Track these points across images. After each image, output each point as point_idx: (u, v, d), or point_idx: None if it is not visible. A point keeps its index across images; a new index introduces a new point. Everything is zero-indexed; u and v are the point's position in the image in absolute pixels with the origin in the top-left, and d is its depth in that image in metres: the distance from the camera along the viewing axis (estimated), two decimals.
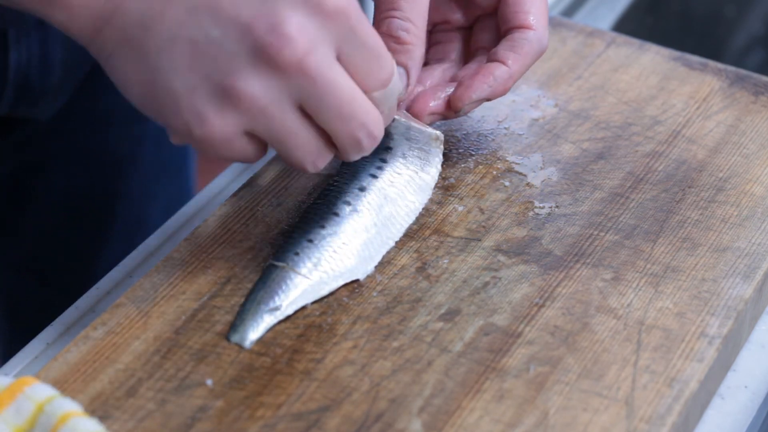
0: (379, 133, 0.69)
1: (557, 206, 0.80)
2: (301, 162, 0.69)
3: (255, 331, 0.70)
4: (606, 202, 0.80)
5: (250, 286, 0.74)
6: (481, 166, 0.83)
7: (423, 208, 0.79)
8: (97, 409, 0.67)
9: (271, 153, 0.87)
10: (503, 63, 0.79)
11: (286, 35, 0.65)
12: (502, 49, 0.79)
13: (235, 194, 0.80)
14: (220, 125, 0.66)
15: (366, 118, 0.68)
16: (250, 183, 0.81)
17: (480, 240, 0.78)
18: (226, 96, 0.66)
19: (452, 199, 0.80)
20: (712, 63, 0.92)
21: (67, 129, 1.01)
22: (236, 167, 0.89)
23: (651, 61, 0.92)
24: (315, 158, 0.69)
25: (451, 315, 0.73)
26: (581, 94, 0.89)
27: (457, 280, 0.75)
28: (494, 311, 0.73)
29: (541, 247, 0.77)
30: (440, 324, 0.72)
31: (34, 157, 1.02)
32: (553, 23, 0.95)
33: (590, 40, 0.94)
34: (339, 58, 0.67)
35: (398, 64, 0.76)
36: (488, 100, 0.80)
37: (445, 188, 0.81)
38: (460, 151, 0.84)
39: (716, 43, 1.44)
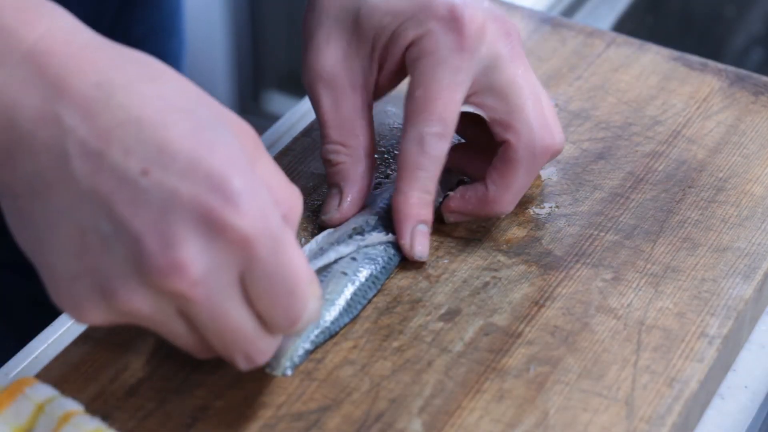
0: (262, 359, 0.63)
1: (557, 206, 0.80)
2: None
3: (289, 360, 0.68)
4: (606, 202, 0.80)
5: None
6: None
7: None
8: (97, 409, 0.67)
9: None
10: (486, 185, 0.77)
11: (178, 261, 0.58)
12: (490, 169, 0.77)
13: None
14: (95, 318, 0.61)
15: (249, 348, 0.62)
16: None
17: (480, 240, 0.78)
18: (108, 297, 0.60)
19: None
20: (712, 63, 0.92)
21: None
22: None
23: (651, 61, 0.92)
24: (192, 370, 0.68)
25: (451, 315, 0.73)
26: (581, 94, 0.89)
27: (457, 280, 0.75)
28: (494, 311, 0.73)
29: (541, 247, 0.77)
30: (440, 324, 0.72)
31: None
32: (553, 23, 0.95)
33: (590, 40, 0.94)
34: (243, 287, 0.61)
35: (332, 184, 0.77)
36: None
37: None
38: None
39: (716, 43, 1.44)
